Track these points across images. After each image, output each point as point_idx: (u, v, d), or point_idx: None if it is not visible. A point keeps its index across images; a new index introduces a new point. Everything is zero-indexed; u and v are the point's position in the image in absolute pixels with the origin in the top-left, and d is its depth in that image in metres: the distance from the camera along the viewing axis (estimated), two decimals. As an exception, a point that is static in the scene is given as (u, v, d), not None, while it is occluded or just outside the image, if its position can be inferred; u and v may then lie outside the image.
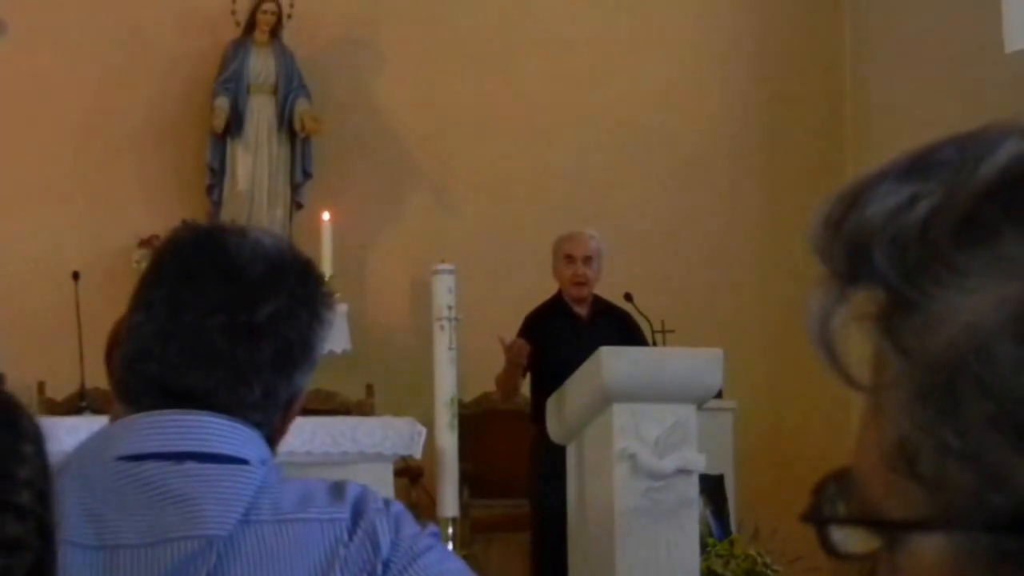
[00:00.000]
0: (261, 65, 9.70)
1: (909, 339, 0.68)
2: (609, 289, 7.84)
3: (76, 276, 8.57)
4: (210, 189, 9.68)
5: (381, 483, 6.15)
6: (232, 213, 9.52)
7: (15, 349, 8.58)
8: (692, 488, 6.60)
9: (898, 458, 0.68)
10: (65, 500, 1.32)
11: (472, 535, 8.38)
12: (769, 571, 7.22)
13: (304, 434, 6.35)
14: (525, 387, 7.65)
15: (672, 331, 8.75)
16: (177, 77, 9.82)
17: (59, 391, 8.85)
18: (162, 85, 9.78)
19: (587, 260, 7.52)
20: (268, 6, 9.67)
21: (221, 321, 1.82)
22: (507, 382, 7.48)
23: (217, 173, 9.66)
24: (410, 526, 1.87)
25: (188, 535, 1.76)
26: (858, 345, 0.73)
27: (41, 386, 8.94)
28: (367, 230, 9.98)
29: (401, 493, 8.16)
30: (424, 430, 6.72)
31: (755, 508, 8.12)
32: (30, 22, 9.42)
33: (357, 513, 1.84)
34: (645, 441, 6.48)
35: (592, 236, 7.64)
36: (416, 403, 7.96)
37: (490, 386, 8.48)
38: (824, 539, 0.72)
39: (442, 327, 7.19)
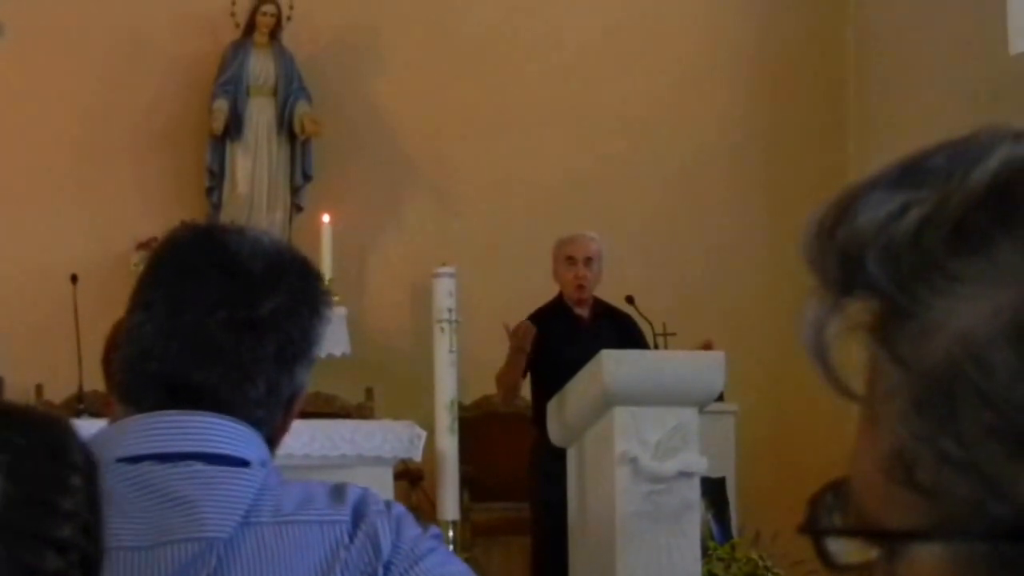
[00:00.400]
0: (261, 67, 9.69)
1: (905, 348, 0.68)
2: (610, 291, 7.82)
3: (75, 279, 8.56)
4: (209, 192, 9.66)
5: (381, 486, 6.13)
6: (231, 216, 9.50)
7: (14, 352, 8.57)
8: (693, 491, 6.58)
9: (896, 468, 0.68)
10: None
11: (472, 538, 8.36)
12: (770, 575, 7.20)
13: (303, 437, 6.34)
14: (525, 389, 7.63)
15: (673, 334, 8.73)
16: (176, 79, 9.80)
17: (57, 394, 8.83)
18: (161, 87, 9.77)
19: (588, 262, 7.50)
20: (267, 8, 9.65)
21: (223, 317, 1.82)
22: (509, 375, 7.41)
23: (216, 176, 9.65)
24: (412, 528, 1.87)
25: (188, 537, 1.75)
26: (853, 355, 0.72)
27: (39, 389, 8.93)
28: (367, 233, 9.97)
29: (401, 496, 8.14)
30: (424, 433, 6.71)
31: (757, 511, 8.10)
32: (29, 24, 9.40)
33: (358, 515, 1.83)
34: (646, 444, 6.46)
35: (592, 238, 7.63)
36: (416, 406, 7.94)
37: (490, 389, 8.46)
38: (821, 550, 0.72)
39: (442, 330, 7.17)
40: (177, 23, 9.80)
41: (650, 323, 8.20)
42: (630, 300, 8.15)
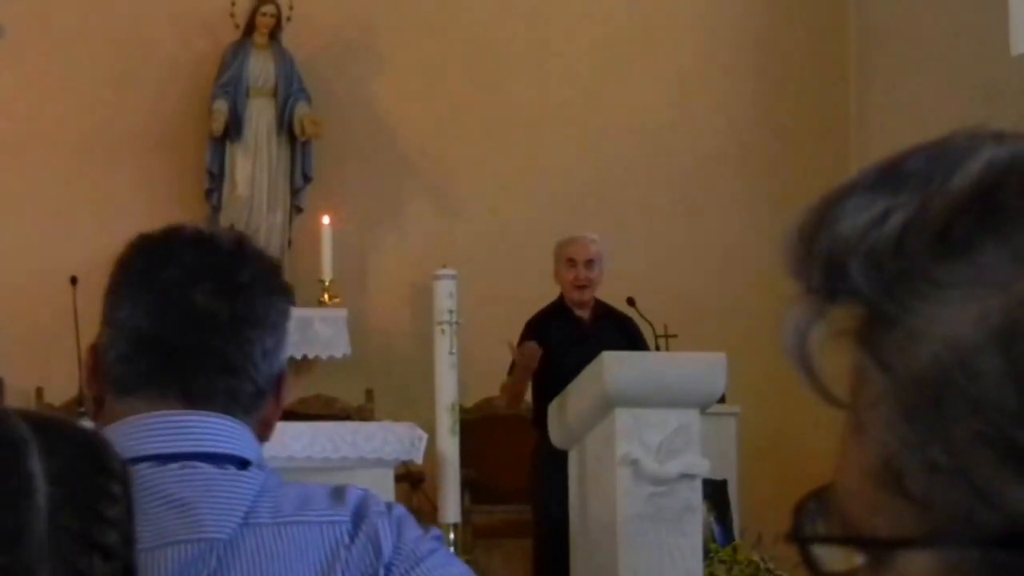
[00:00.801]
0: (260, 68, 9.67)
1: (891, 355, 0.67)
2: (612, 293, 7.81)
3: (74, 281, 8.54)
4: (209, 193, 9.65)
5: (382, 489, 6.11)
6: (231, 217, 9.50)
7: (13, 354, 8.55)
8: (695, 493, 6.57)
9: (884, 476, 0.67)
10: None
11: (474, 541, 8.35)
12: (772, 577, 7.18)
13: (304, 439, 6.33)
14: (526, 391, 7.61)
15: (675, 335, 8.72)
16: (176, 80, 9.79)
17: (57, 396, 8.82)
18: (161, 88, 9.76)
19: (589, 263, 7.49)
20: (267, 8, 9.64)
21: (208, 287, 1.84)
22: (515, 389, 7.41)
23: (216, 177, 9.64)
24: (413, 529, 1.86)
25: (188, 539, 1.74)
26: (837, 362, 0.71)
27: (39, 392, 8.92)
28: (367, 234, 9.96)
29: (402, 499, 8.12)
30: (425, 435, 6.70)
31: (759, 513, 8.08)
32: (29, 25, 9.39)
33: (359, 516, 1.82)
34: (648, 446, 6.45)
35: (593, 240, 7.61)
36: (417, 408, 7.93)
37: (492, 391, 8.45)
38: (807, 557, 0.71)
39: (443, 331, 7.16)
40: (177, 24, 9.79)
41: (651, 325, 8.19)
42: (631, 302, 8.13)
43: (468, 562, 2.34)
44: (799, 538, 0.72)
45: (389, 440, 6.54)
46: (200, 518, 1.75)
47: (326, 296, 9.54)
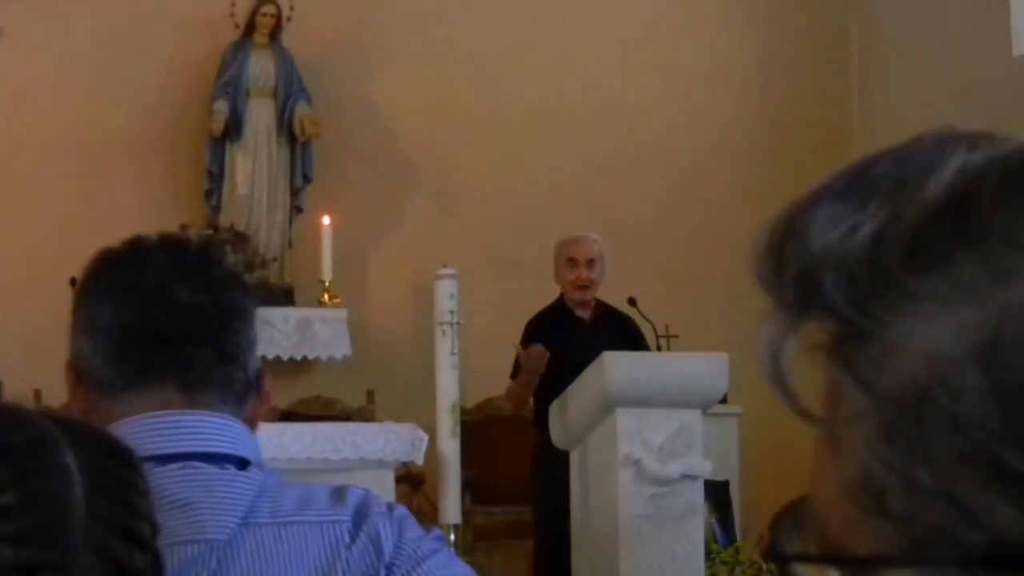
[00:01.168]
0: (260, 68, 9.66)
1: (867, 371, 0.65)
2: (613, 293, 7.79)
3: (74, 282, 8.49)
4: (209, 194, 9.64)
5: (382, 490, 6.10)
6: (231, 217, 9.49)
7: (12, 356, 8.54)
8: (697, 494, 6.56)
9: (864, 495, 0.65)
10: None
11: (474, 542, 8.34)
12: (774, 578, 7.16)
13: (304, 440, 6.33)
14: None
15: (676, 336, 8.71)
16: (176, 80, 9.78)
17: (55, 398, 8.79)
18: (160, 88, 9.75)
19: (590, 263, 7.48)
20: (267, 8, 9.63)
21: (189, 285, 1.86)
22: (521, 392, 7.38)
23: (216, 177, 9.63)
24: (414, 530, 1.86)
25: (188, 539, 1.75)
26: (812, 377, 0.69)
27: (37, 393, 8.90)
28: (368, 234, 9.95)
29: (402, 500, 8.11)
30: (426, 436, 6.69)
31: (761, 514, 8.05)
32: (27, 25, 9.38)
33: (360, 516, 1.82)
34: (649, 447, 6.43)
35: (595, 239, 7.60)
36: (417, 409, 7.92)
37: (493, 391, 8.44)
38: (785, 573, 0.70)
39: (444, 332, 7.15)
40: (177, 24, 9.79)
41: (653, 325, 8.18)
42: (632, 302, 8.12)
43: (469, 563, 2.33)
44: (777, 556, 0.70)
45: (390, 441, 6.53)
46: (200, 518, 1.75)
47: (326, 296, 9.53)
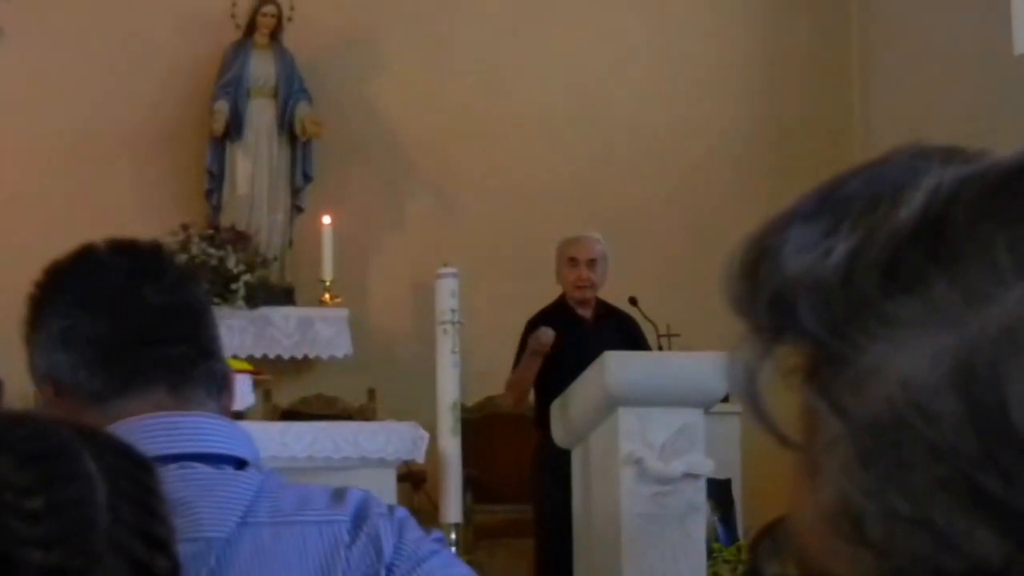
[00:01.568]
0: (261, 68, 9.66)
1: (843, 397, 0.64)
2: (614, 293, 7.79)
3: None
4: (209, 193, 9.64)
5: (383, 488, 6.10)
6: (232, 217, 9.49)
7: (13, 355, 8.51)
8: (699, 493, 6.56)
9: (842, 522, 0.64)
10: None
11: (476, 541, 8.34)
12: (776, 577, 7.16)
13: (306, 439, 6.33)
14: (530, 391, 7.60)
15: (678, 335, 8.70)
16: (176, 80, 9.78)
17: (58, 397, 8.79)
18: (161, 88, 9.75)
19: (591, 263, 7.47)
20: (268, 8, 9.63)
21: (152, 286, 1.87)
22: (523, 378, 7.33)
23: (216, 177, 9.62)
24: (414, 531, 1.86)
25: (187, 537, 1.72)
26: (788, 401, 0.69)
27: (38, 394, 8.90)
28: (369, 234, 9.94)
29: (404, 498, 8.11)
30: (427, 435, 6.69)
31: (762, 513, 8.06)
32: (28, 26, 9.37)
33: (360, 517, 1.82)
34: (651, 445, 6.43)
35: (596, 239, 7.59)
36: (419, 408, 7.92)
37: (493, 390, 8.43)
38: None
39: (445, 331, 7.16)
40: (177, 24, 9.78)
41: (654, 324, 8.17)
42: (633, 301, 8.12)
43: (470, 562, 2.34)
44: None
45: (391, 440, 6.53)
46: (199, 517, 1.74)
47: (327, 296, 9.53)
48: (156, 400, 1.84)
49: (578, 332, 7.31)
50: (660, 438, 6.45)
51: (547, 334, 7.13)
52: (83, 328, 1.87)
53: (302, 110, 9.63)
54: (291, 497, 1.83)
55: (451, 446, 7.00)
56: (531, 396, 7.62)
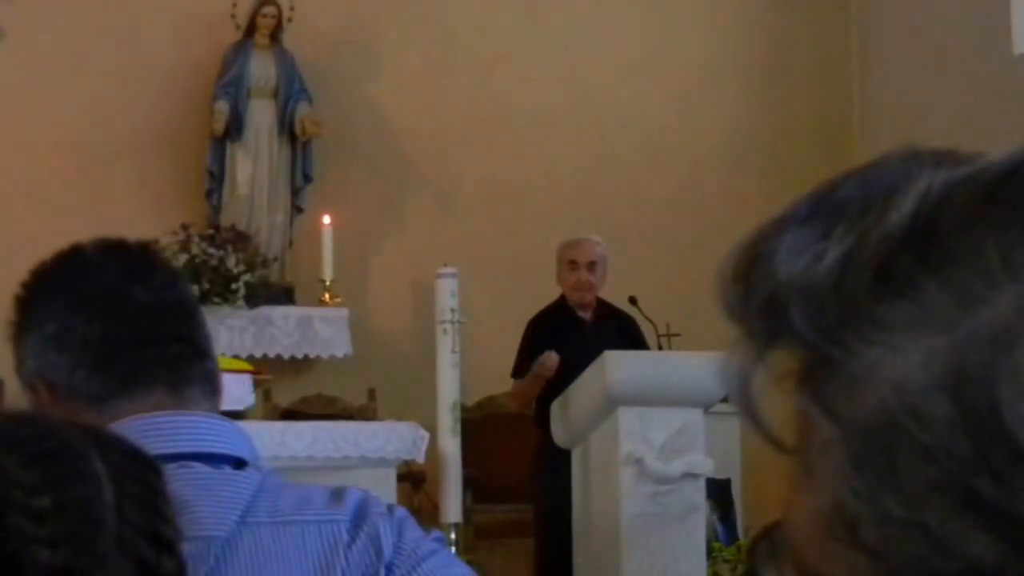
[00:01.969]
0: (261, 69, 9.66)
1: (837, 401, 0.64)
2: (614, 293, 7.79)
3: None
4: (209, 193, 9.64)
5: (383, 488, 6.10)
6: (232, 217, 9.49)
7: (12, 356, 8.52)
8: (699, 493, 6.56)
9: (836, 524, 0.64)
10: None
11: (475, 541, 8.34)
12: (776, 576, 7.15)
13: (306, 439, 6.33)
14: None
15: (678, 335, 8.70)
16: (176, 80, 9.78)
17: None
18: (161, 88, 9.75)
19: (591, 266, 7.47)
20: (268, 9, 9.63)
21: (142, 286, 1.87)
22: (528, 394, 7.36)
23: (217, 177, 9.63)
24: (414, 531, 1.86)
25: (185, 537, 1.72)
26: (782, 406, 0.68)
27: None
28: (369, 234, 9.95)
29: (404, 498, 8.12)
30: (427, 435, 6.69)
31: (762, 512, 8.06)
32: (29, 27, 9.38)
33: (359, 517, 1.82)
34: (651, 445, 6.43)
35: (596, 242, 7.60)
36: (419, 407, 7.92)
37: (493, 390, 8.43)
38: None
39: (445, 331, 7.16)
40: (178, 24, 9.78)
41: (654, 324, 8.17)
42: (633, 301, 8.12)
43: (470, 562, 2.34)
44: None
45: (391, 439, 6.53)
46: (198, 516, 1.74)
47: (327, 296, 9.54)
48: (155, 400, 1.84)
49: (578, 332, 7.32)
50: (660, 438, 6.45)
51: (552, 358, 7.14)
52: (77, 329, 1.86)
53: (302, 110, 9.64)
54: (290, 497, 1.82)
55: (451, 446, 7.01)
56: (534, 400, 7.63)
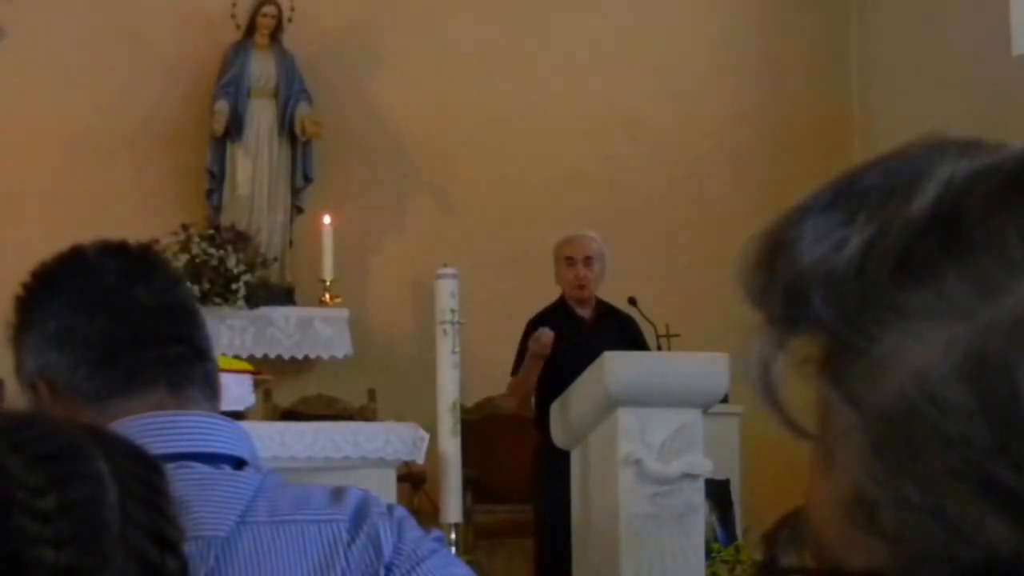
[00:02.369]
0: (261, 69, 9.66)
1: (857, 387, 0.65)
2: (613, 293, 7.79)
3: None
4: (210, 193, 9.64)
5: (383, 489, 6.10)
6: (232, 217, 9.49)
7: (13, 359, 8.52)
8: (698, 493, 6.56)
9: (856, 512, 0.65)
10: None
11: (475, 541, 8.34)
12: (775, 577, 7.16)
13: (306, 439, 6.33)
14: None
15: (677, 335, 8.71)
16: (177, 80, 9.78)
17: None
18: (162, 88, 9.75)
19: (587, 261, 7.47)
20: (268, 9, 9.63)
21: (143, 287, 1.88)
22: (527, 383, 7.34)
23: (217, 177, 9.63)
24: (414, 531, 1.86)
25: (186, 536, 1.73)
26: (803, 392, 0.69)
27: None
28: (369, 234, 9.95)
29: (403, 499, 8.12)
30: (427, 435, 6.69)
31: (761, 513, 8.06)
32: (29, 26, 9.38)
33: (359, 517, 1.82)
34: (650, 446, 6.44)
35: (592, 238, 7.60)
36: (418, 408, 7.92)
37: (493, 390, 8.43)
38: None
39: (445, 331, 7.16)
40: (178, 24, 9.78)
41: (653, 325, 8.17)
42: (632, 301, 8.12)
43: (470, 562, 2.34)
44: (775, 570, 0.70)
45: (391, 440, 6.53)
46: (197, 516, 1.74)
47: (327, 296, 9.54)
48: (156, 400, 1.84)
49: (578, 332, 7.32)
50: (659, 438, 6.46)
51: (547, 334, 7.14)
52: (79, 329, 1.87)
53: (302, 110, 9.64)
54: (290, 496, 1.82)
55: (451, 446, 7.01)
56: (531, 397, 7.63)
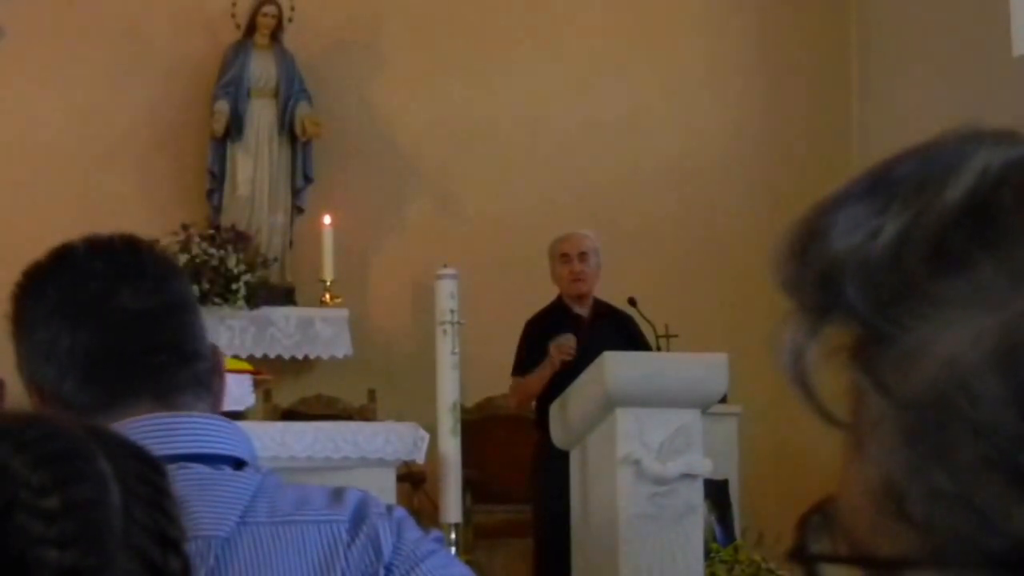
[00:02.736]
0: (262, 69, 9.66)
1: (889, 375, 0.65)
2: (613, 293, 7.80)
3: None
4: (210, 194, 9.64)
5: (383, 489, 6.11)
6: (232, 217, 9.50)
7: (14, 356, 8.53)
8: (696, 493, 6.56)
9: (886, 500, 0.65)
10: None
11: (475, 541, 8.34)
12: (774, 577, 7.17)
13: (306, 439, 6.33)
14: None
15: (676, 335, 8.71)
16: (177, 80, 9.79)
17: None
18: (162, 88, 9.75)
19: (583, 256, 7.48)
20: (268, 9, 9.63)
21: (130, 290, 1.86)
22: (535, 387, 7.32)
23: (217, 177, 9.63)
24: (413, 531, 1.86)
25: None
26: (835, 380, 0.70)
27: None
28: (369, 234, 9.95)
29: (403, 499, 8.12)
30: (427, 435, 6.69)
31: (760, 513, 8.08)
32: (29, 26, 9.38)
33: (359, 517, 1.82)
34: (649, 446, 6.44)
35: (586, 235, 7.61)
36: (418, 408, 7.92)
37: (493, 391, 8.43)
38: (811, 573, 0.70)
39: (445, 332, 7.16)
40: (177, 24, 9.79)
41: (652, 325, 8.17)
42: (632, 302, 8.12)
43: (469, 562, 2.35)
44: (805, 556, 0.70)
45: (391, 440, 6.53)
46: (197, 517, 1.73)
47: (327, 296, 9.54)
48: (143, 411, 1.84)
49: (576, 332, 7.32)
50: (658, 438, 6.46)
51: (569, 339, 7.14)
52: (65, 342, 1.86)
53: (302, 110, 9.64)
54: (290, 497, 1.83)
55: (451, 446, 7.01)
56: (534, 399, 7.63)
